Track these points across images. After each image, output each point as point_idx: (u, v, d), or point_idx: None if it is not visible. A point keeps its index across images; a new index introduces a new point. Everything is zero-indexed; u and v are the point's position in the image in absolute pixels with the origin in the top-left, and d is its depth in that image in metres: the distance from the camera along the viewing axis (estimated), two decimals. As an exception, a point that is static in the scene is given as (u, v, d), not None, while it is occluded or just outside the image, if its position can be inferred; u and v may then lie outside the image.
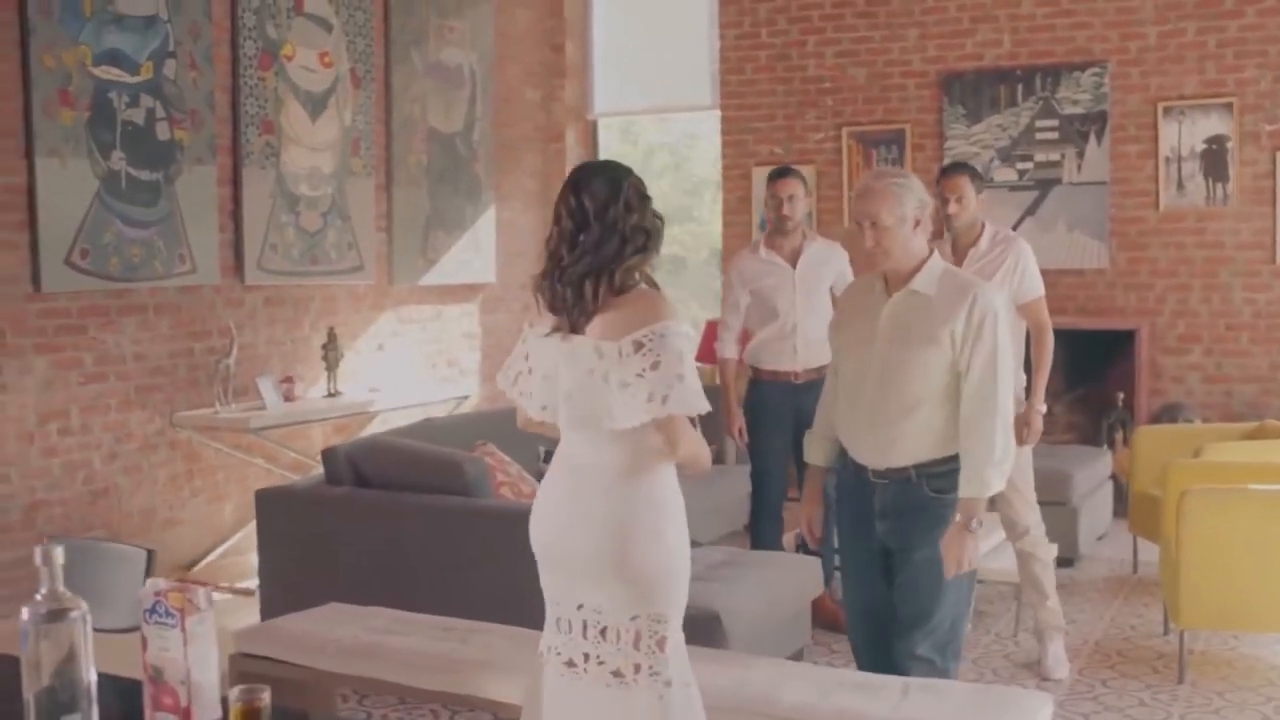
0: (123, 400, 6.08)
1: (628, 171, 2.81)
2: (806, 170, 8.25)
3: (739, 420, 5.45)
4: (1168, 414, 7.53)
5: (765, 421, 5.38)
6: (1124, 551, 6.47)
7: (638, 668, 2.71)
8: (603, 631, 2.75)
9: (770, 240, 5.43)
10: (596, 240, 2.71)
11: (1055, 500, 6.30)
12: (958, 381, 3.41)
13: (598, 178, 2.77)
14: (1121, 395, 7.62)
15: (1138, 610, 5.69)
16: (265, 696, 1.89)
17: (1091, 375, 7.96)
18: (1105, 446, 7.43)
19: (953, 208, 4.92)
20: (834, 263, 5.39)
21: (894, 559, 3.58)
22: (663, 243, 2.81)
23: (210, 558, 6.45)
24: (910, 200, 3.49)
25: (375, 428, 6.87)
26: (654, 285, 2.78)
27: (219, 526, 6.54)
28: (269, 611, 4.84)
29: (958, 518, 3.41)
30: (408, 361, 7.81)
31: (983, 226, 4.98)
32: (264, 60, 6.70)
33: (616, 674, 2.72)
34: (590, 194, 2.73)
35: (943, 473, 3.46)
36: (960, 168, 5.10)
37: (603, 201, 2.72)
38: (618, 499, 2.75)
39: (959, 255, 4.97)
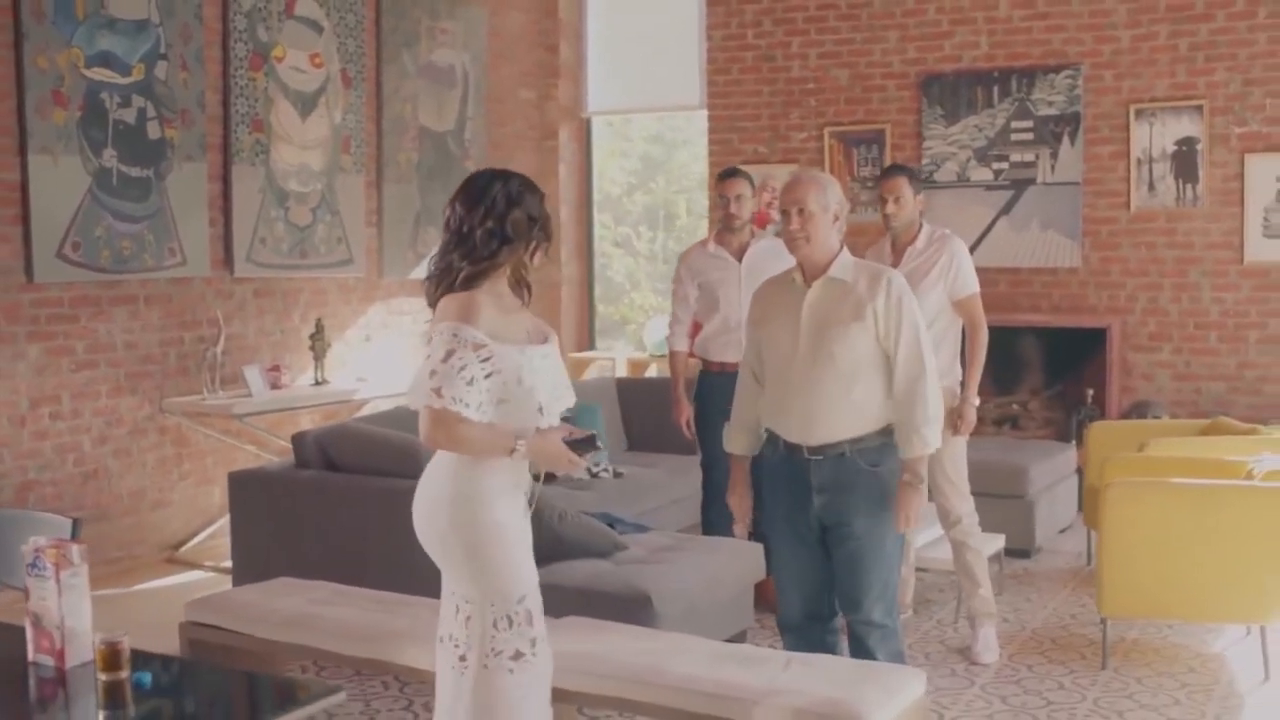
0: (113, 386, 6.37)
1: (504, 177, 3.04)
2: (789, 169, 8.47)
3: (686, 411, 5.67)
4: (1137, 411, 7.68)
5: (713, 411, 5.55)
6: (1083, 544, 6.63)
7: (451, 636, 3.03)
8: (445, 598, 3.08)
9: (719, 237, 5.66)
10: (444, 246, 2.97)
11: (1012, 493, 6.50)
12: (881, 357, 3.74)
13: (468, 186, 3.02)
14: (1090, 392, 7.77)
15: (1082, 601, 5.85)
16: (125, 641, 2.16)
17: (1067, 372, 8.11)
18: (1074, 442, 7.58)
19: (890, 208, 5.12)
20: (780, 258, 5.57)
21: (831, 534, 3.86)
22: (532, 240, 3.02)
23: (198, 539, 6.74)
24: (833, 194, 3.85)
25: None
26: (524, 284, 3.07)
27: (207, 508, 6.83)
28: (239, 586, 5.10)
29: (905, 477, 3.77)
30: (397, 352, 8.08)
31: (920, 226, 5.18)
32: (254, 61, 6.97)
33: (441, 639, 3.06)
34: (458, 201, 2.99)
35: (874, 447, 3.78)
36: (898, 170, 5.30)
37: (465, 208, 2.97)
38: (433, 483, 3.07)
39: (897, 253, 5.18)
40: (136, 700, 2.16)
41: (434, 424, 2.92)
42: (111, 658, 2.17)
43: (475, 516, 3.00)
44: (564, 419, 3.16)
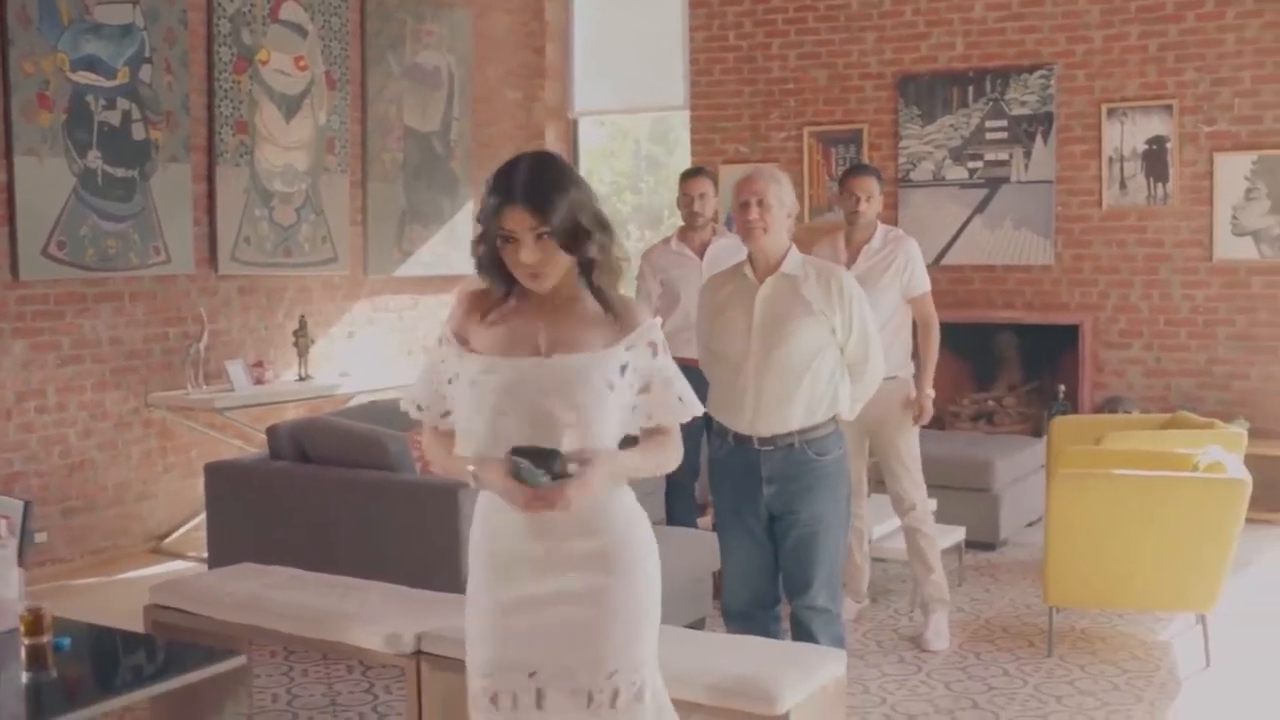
0: (98, 381, 6.55)
1: None
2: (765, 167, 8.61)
3: None
4: (1109, 406, 7.80)
5: (676, 405, 5.72)
6: (1049, 536, 6.74)
7: None
8: None
9: (682, 234, 5.81)
10: None
11: (977, 487, 6.64)
12: (830, 350, 3.94)
13: None
14: (1062, 388, 7.89)
15: (1040, 592, 5.95)
16: (47, 609, 2.34)
17: (1041, 368, 8.23)
18: (1044, 437, 7.70)
19: (862, 205, 5.29)
20: (741, 255, 5.71)
21: (779, 522, 4.03)
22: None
23: (182, 530, 6.91)
24: (788, 192, 4.04)
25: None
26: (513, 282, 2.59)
27: (191, 500, 6.99)
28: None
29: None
30: (381, 348, 8.24)
31: (875, 225, 5.33)
32: (239, 65, 7.14)
33: None
34: None
35: (820, 437, 3.97)
36: (868, 169, 5.49)
37: None
38: None
39: (853, 251, 5.33)
40: (57, 662, 2.35)
41: (429, 443, 2.71)
42: (34, 624, 2.37)
43: (473, 571, 2.66)
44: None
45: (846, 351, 3.97)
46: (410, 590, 4.20)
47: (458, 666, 3.66)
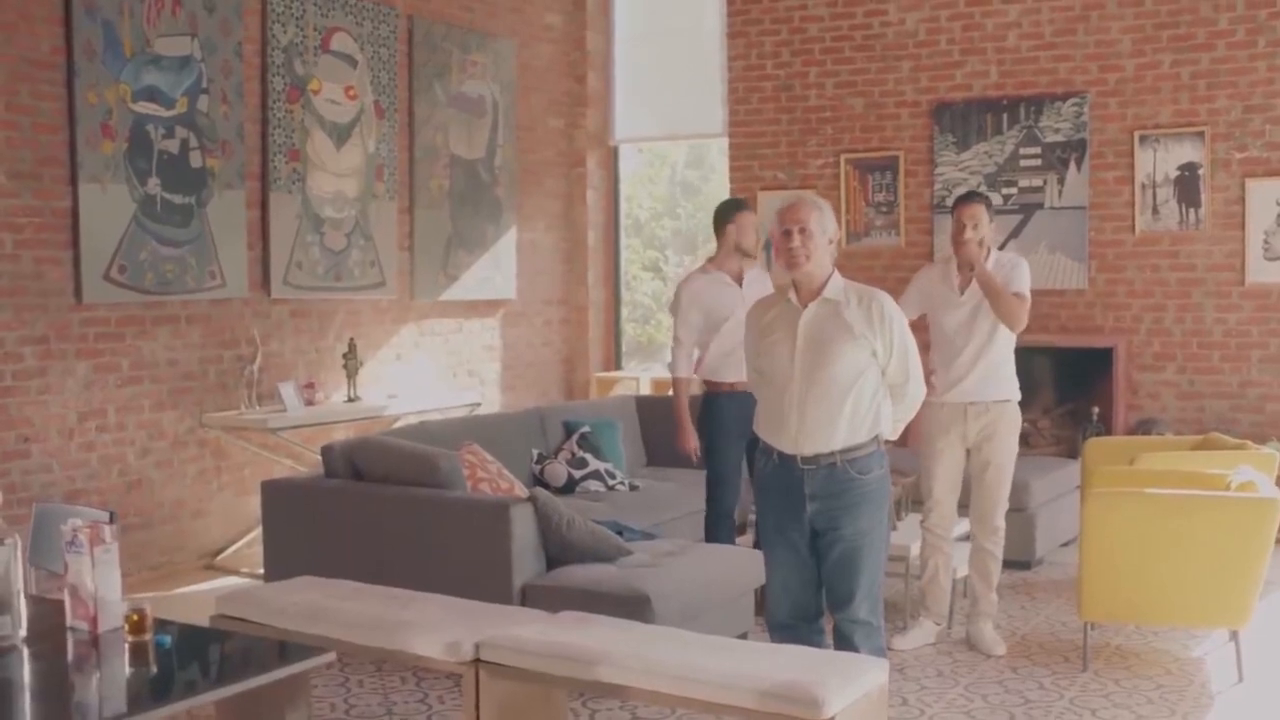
0: (156, 401, 6.76)
1: None
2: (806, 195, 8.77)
3: (693, 437, 5.85)
4: (1143, 428, 7.90)
5: (722, 432, 5.79)
6: (1083, 556, 6.85)
7: None
8: None
9: (718, 263, 5.93)
10: None
11: (1013, 507, 6.71)
12: (871, 372, 4.08)
13: None
14: (1097, 410, 8.00)
15: (1075, 610, 6.06)
16: (149, 608, 2.52)
17: (1076, 391, 8.34)
18: (1079, 458, 7.80)
19: (969, 233, 5.34)
20: (768, 286, 5.81)
21: (822, 539, 4.18)
22: None
23: (235, 546, 7.10)
24: (830, 220, 4.19)
25: (393, 431, 7.47)
26: None
27: (244, 518, 7.19)
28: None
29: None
30: (428, 370, 8.44)
31: (989, 251, 5.43)
32: (291, 94, 7.37)
33: None
34: None
35: (862, 456, 4.11)
36: (977, 196, 5.57)
37: None
38: None
39: (965, 278, 5.40)
40: (158, 659, 2.53)
41: None
42: (138, 623, 2.55)
43: None
44: None
45: (888, 373, 4.11)
46: (467, 601, 4.35)
47: (514, 674, 3.84)
